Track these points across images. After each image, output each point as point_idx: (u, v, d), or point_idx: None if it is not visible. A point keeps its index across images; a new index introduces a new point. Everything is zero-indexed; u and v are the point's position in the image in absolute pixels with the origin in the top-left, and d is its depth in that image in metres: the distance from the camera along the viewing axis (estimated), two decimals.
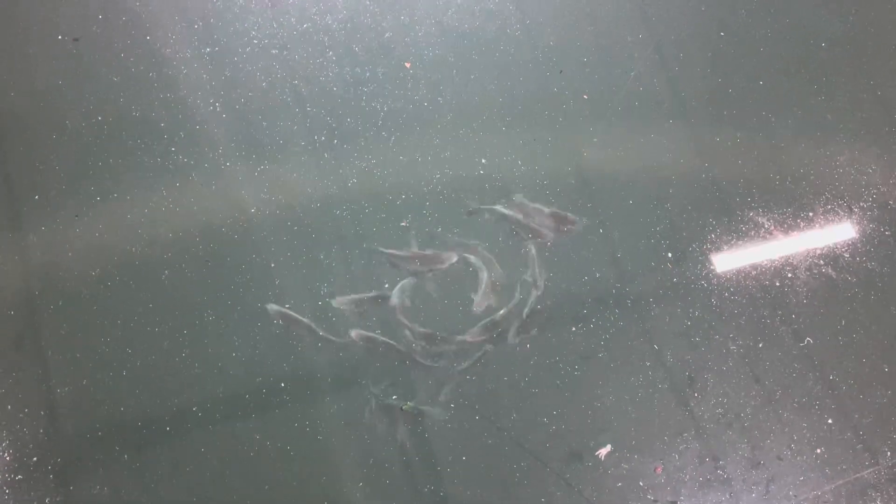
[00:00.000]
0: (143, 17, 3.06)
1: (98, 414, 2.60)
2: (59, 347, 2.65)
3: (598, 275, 3.04)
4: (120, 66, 2.98)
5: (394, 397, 2.76)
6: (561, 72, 3.32)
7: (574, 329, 2.94)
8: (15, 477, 2.49)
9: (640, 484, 2.79)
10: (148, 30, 3.04)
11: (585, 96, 3.30)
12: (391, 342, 2.82)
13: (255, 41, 3.10)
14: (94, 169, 2.85)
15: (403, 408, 2.75)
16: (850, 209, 3.26)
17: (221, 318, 2.75)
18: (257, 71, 3.07)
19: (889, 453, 2.94)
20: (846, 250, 3.19)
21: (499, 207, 2.94)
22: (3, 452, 2.51)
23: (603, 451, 2.81)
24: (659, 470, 2.82)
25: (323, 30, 3.18)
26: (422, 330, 2.84)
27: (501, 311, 2.92)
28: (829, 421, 2.94)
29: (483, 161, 3.12)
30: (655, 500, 2.78)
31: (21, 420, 2.55)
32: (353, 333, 2.81)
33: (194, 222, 2.86)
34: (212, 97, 3.00)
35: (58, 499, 2.49)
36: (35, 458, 2.52)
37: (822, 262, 3.17)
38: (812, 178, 3.30)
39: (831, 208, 3.26)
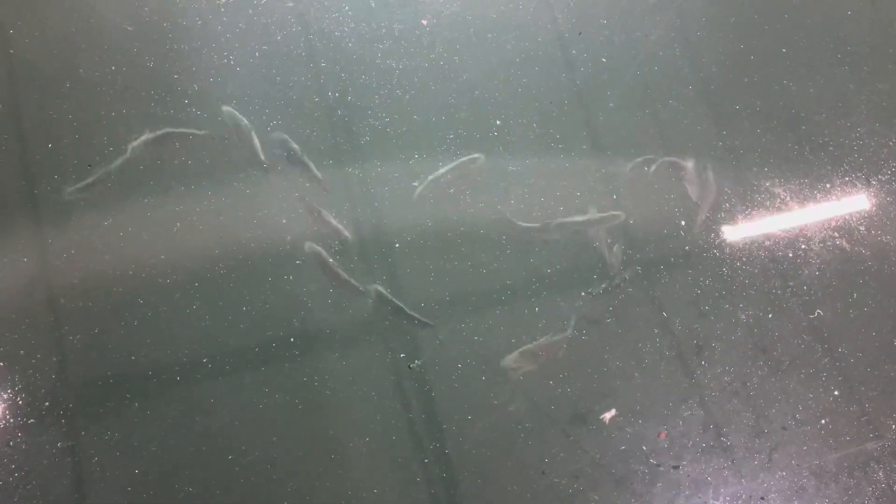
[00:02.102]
0: None
1: (109, 362, 2.63)
2: (71, 296, 2.67)
3: (609, 240, 3.02)
4: (134, 16, 2.95)
5: (402, 355, 2.78)
6: (580, 33, 3.26)
7: (583, 294, 2.94)
8: (28, 421, 2.53)
9: (644, 448, 2.81)
10: None
11: (604, 59, 3.25)
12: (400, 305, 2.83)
13: None
14: (108, 119, 2.84)
15: (411, 366, 2.77)
16: (868, 182, 3.22)
17: (232, 271, 2.76)
18: (272, 24, 3.03)
19: (894, 426, 2.95)
20: (862, 223, 3.16)
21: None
22: (17, 397, 2.55)
23: (607, 415, 2.82)
24: (663, 435, 2.83)
25: None
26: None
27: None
28: (836, 393, 2.94)
29: (498, 122, 3.09)
30: (658, 465, 2.80)
31: (34, 366, 2.58)
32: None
33: (206, 176, 2.85)
34: (226, 50, 2.97)
35: (69, 443, 2.54)
36: (47, 404, 2.56)
37: (836, 234, 3.14)
38: (831, 149, 3.26)
39: (849, 180, 3.22)
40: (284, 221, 2.84)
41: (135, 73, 2.90)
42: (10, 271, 2.65)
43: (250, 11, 3.03)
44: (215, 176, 2.85)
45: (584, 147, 3.14)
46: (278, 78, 2.98)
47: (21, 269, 2.67)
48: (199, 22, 2.98)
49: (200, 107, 2.90)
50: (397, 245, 2.89)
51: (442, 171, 2.94)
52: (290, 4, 3.07)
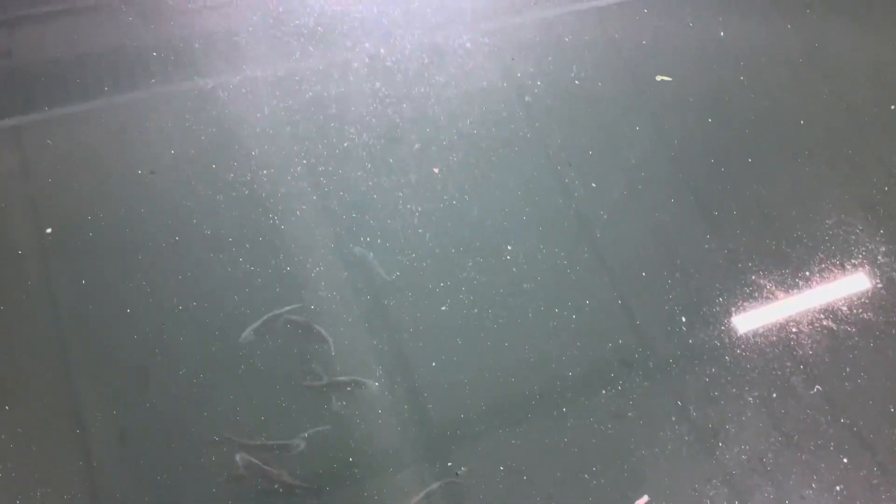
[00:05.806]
0: (209, 149, 3.59)
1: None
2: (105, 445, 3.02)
3: (620, 341, 3.38)
4: (191, 194, 3.48)
5: (448, 463, 3.08)
6: (570, 164, 3.77)
7: (604, 392, 3.26)
8: None
9: None
10: (214, 159, 3.56)
11: (594, 184, 3.73)
12: None
13: (304, 161, 3.60)
14: (174, 282, 3.29)
15: (458, 473, 3.05)
16: (843, 266, 3.61)
17: (267, 376, 3.11)
18: (308, 186, 3.55)
19: None
20: (843, 304, 3.52)
21: None
22: None
23: (641, 502, 3.07)
24: None
25: (361, 146, 3.68)
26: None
27: None
28: (845, 460, 3.20)
29: (509, 247, 3.53)
30: None
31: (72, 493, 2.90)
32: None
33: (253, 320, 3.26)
34: (270, 212, 3.47)
35: None
36: None
37: (822, 316, 3.49)
38: (805, 240, 3.67)
39: (825, 267, 3.61)
40: (330, 341, 3.22)
41: (194, 241, 3.38)
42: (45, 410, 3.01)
43: (288, 178, 3.56)
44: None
45: (587, 256, 3.56)
46: (317, 231, 3.46)
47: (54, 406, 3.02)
48: (246, 192, 3.51)
49: (253, 262, 3.35)
50: (434, 364, 3.24)
51: None
52: (321, 168, 3.59)
